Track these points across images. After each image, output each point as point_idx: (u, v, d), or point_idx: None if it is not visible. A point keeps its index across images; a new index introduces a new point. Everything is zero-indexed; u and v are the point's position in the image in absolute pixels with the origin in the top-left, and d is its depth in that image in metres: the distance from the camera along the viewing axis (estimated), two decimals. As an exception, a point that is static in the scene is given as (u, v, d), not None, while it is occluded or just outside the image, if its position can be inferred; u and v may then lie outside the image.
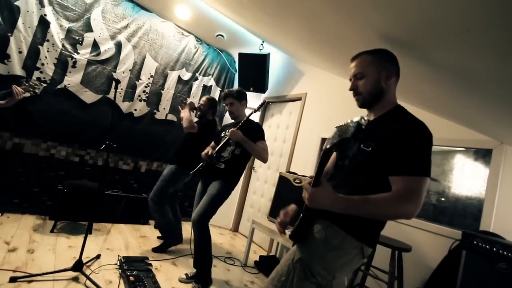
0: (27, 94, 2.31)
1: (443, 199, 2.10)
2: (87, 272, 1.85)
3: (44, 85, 2.67)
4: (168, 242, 2.64)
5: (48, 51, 2.73)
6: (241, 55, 3.57)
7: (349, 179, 1.00)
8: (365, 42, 1.54)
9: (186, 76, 3.69)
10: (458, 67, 1.22)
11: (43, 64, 2.70)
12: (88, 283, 1.73)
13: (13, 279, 1.60)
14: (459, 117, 1.94)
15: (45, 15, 2.69)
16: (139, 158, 3.41)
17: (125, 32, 3.15)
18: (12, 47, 2.54)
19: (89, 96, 2.98)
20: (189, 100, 2.88)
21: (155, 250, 2.54)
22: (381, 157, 0.94)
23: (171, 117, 3.59)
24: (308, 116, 3.30)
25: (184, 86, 3.68)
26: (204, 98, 2.85)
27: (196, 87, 3.80)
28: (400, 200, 0.87)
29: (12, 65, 2.55)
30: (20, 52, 2.59)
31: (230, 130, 2.08)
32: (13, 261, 1.82)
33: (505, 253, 1.43)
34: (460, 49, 1.08)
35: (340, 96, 2.92)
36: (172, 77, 3.57)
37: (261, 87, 3.61)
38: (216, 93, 3.98)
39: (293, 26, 1.99)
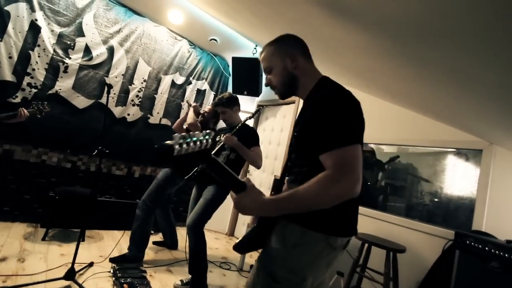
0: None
1: (436, 200, 2.12)
2: (80, 280, 1.81)
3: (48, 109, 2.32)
4: (131, 256, 2.29)
5: (39, 56, 2.69)
6: (234, 59, 3.58)
7: (296, 171, 0.96)
8: (354, 46, 1.56)
9: (180, 80, 3.68)
10: (445, 67, 1.25)
11: (34, 69, 2.67)
12: (81, 291, 1.70)
13: (2, 290, 1.56)
14: (449, 118, 1.98)
15: (36, 20, 2.66)
16: (132, 163, 3.38)
17: (117, 37, 3.13)
18: (1, 52, 2.51)
19: (81, 101, 2.94)
20: (194, 103, 2.80)
21: (112, 260, 2.21)
22: (307, 138, 0.89)
23: (165, 121, 3.57)
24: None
25: (178, 90, 3.67)
26: (210, 106, 2.75)
27: (190, 91, 3.79)
28: (329, 180, 0.77)
29: (1, 70, 2.51)
30: (10, 58, 2.56)
31: (225, 136, 2.08)
32: (3, 270, 1.77)
33: (497, 252, 1.45)
34: (446, 50, 1.10)
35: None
36: (166, 81, 3.56)
37: (255, 91, 3.62)
38: (210, 97, 3.98)
39: (284, 30, 2.01)
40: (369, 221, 2.34)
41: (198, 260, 2.04)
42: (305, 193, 0.79)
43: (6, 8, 2.52)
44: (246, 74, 3.56)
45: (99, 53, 3.02)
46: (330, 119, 0.83)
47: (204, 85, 3.93)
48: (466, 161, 2.03)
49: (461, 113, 1.72)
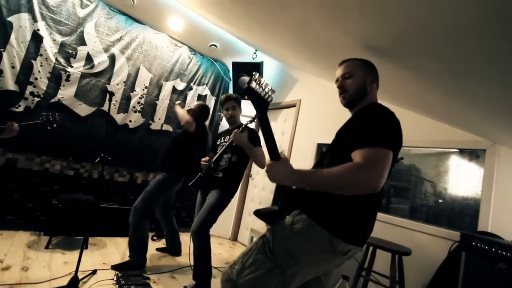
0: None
1: (440, 201, 2.10)
2: (83, 288, 1.80)
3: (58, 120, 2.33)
4: (133, 262, 2.25)
5: (41, 66, 2.72)
6: (234, 64, 3.61)
7: None
8: (353, 48, 1.57)
9: (181, 86, 3.70)
10: (446, 70, 1.25)
11: (36, 79, 2.69)
12: (84, 300, 1.69)
13: (6, 299, 1.55)
14: (451, 119, 1.97)
15: (38, 30, 2.69)
16: (135, 169, 3.38)
17: (118, 45, 3.17)
18: (4, 62, 2.54)
19: (83, 109, 2.96)
20: (178, 101, 2.79)
21: (114, 267, 2.21)
22: (340, 143, 1.01)
23: (166, 127, 3.58)
24: (303, 122, 3.32)
25: (179, 96, 3.69)
26: (196, 104, 2.73)
27: (191, 96, 3.81)
28: (356, 167, 0.83)
29: (4, 80, 2.54)
30: (13, 67, 2.59)
31: (233, 134, 2.02)
32: (6, 279, 1.77)
33: (504, 253, 1.43)
34: (446, 53, 1.11)
35: (334, 102, 2.95)
36: (167, 87, 3.58)
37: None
38: (211, 102, 3.99)
39: (284, 34, 2.03)
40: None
41: (202, 266, 2.03)
42: (329, 172, 0.84)
43: (9, 19, 2.56)
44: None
45: (101, 61, 3.05)
46: (369, 122, 0.93)
47: (205, 91, 3.95)
48: (470, 161, 2.02)
49: (463, 113, 1.72)
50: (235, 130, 2.05)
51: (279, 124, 3.75)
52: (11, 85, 2.58)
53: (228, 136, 2.22)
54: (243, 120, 2.29)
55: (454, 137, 2.05)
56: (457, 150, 2.08)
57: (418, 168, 2.28)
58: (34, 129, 2.67)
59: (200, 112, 2.68)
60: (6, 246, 2.26)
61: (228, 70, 4.13)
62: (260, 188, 3.71)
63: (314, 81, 3.29)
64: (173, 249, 2.84)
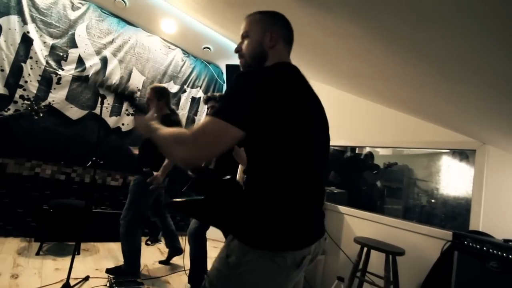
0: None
1: (432, 201, 2.13)
2: (75, 295, 1.77)
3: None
4: (126, 269, 2.19)
5: (31, 68, 2.68)
6: (228, 66, 3.60)
7: None
8: (349, 52, 1.59)
9: (174, 88, 3.68)
10: (434, 68, 1.27)
11: (26, 82, 2.65)
12: (76, 307, 1.66)
13: (-6, 308, 1.51)
14: (440, 119, 2.00)
15: (28, 32, 2.65)
16: (128, 173, 3.34)
17: (110, 47, 3.14)
18: (-7, 65, 2.49)
19: (74, 112, 2.92)
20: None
21: (108, 271, 2.19)
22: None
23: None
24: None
25: (173, 98, 3.67)
26: (148, 90, 2.39)
27: (185, 99, 3.79)
28: (178, 137, 0.75)
29: (-7, 83, 2.49)
30: (2, 70, 2.54)
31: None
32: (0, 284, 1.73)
33: (495, 252, 1.45)
34: (433, 53, 1.12)
35: (334, 106, 2.96)
36: (160, 90, 3.55)
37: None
38: (205, 105, 3.98)
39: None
40: (367, 224, 2.34)
41: (198, 269, 2.01)
42: (161, 135, 0.82)
43: (-2, 21, 2.51)
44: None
45: (92, 63, 3.02)
46: (226, 92, 0.85)
47: (199, 93, 3.93)
48: (460, 161, 2.05)
49: (451, 114, 1.75)
50: None
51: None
52: (0, 88, 2.53)
53: None
54: None
55: (445, 137, 2.08)
56: (448, 150, 2.12)
57: (410, 169, 2.31)
58: (24, 132, 2.63)
59: (156, 93, 2.33)
60: (-5, 253, 2.21)
61: (222, 73, 4.12)
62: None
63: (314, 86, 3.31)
64: (174, 251, 2.71)
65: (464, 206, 1.93)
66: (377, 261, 2.04)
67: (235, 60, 3.55)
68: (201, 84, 3.95)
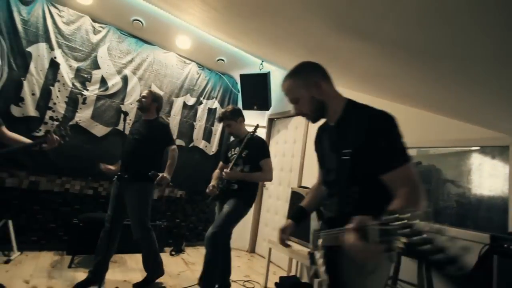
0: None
1: (464, 202, 2.01)
2: (106, 307, 1.81)
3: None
4: (150, 277, 2.30)
5: (59, 91, 2.86)
6: (242, 76, 3.66)
7: (343, 192, 0.99)
8: (362, 51, 1.56)
9: (191, 101, 3.78)
10: (457, 65, 1.22)
11: (55, 104, 2.83)
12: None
13: (33, 321, 1.58)
14: (467, 115, 1.91)
15: (55, 57, 2.84)
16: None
17: (130, 66, 3.29)
18: (25, 90, 2.68)
19: (99, 130, 3.07)
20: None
21: (136, 286, 2.23)
22: (365, 159, 0.92)
23: (179, 142, 3.64)
24: (314, 129, 3.29)
25: (190, 111, 3.77)
26: (147, 91, 2.44)
27: (201, 110, 3.87)
28: (416, 192, 0.84)
29: (26, 107, 2.68)
30: (33, 94, 2.73)
31: (224, 172, 2.13)
32: (32, 301, 1.81)
33: (540, 254, 1.34)
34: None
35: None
36: (178, 103, 3.66)
37: (265, 105, 3.66)
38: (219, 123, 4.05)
39: (289, 44, 2.05)
40: (395, 229, 2.23)
41: (209, 273, 2.00)
42: (403, 204, 0.82)
43: (28, 49, 2.72)
44: (255, 89, 3.61)
45: (114, 82, 3.18)
46: (391, 139, 0.90)
47: (215, 104, 4.01)
48: (493, 158, 1.93)
49: (477, 108, 1.66)
50: (226, 171, 2.14)
51: (290, 132, 3.74)
52: (32, 111, 2.71)
53: (237, 148, 2.24)
54: (250, 128, 2.31)
55: (474, 134, 1.97)
56: (478, 147, 2.00)
57: (438, 169, 2.20)
58: (54, 151, 2.76)
59: (153, 99, 2.40)
60: (31, 266, 2.33)
61: (236, 83, 4.19)
62: (275, 197, 3.67)
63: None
64: (151, 272, 2.35)
65: (501, 206, 1.81)
66: (408, 268, 1.94)
67: (249, 69, 3.61)
68: (217, 95, 4.03)
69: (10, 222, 2.45)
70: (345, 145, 0.97)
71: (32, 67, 2.73)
